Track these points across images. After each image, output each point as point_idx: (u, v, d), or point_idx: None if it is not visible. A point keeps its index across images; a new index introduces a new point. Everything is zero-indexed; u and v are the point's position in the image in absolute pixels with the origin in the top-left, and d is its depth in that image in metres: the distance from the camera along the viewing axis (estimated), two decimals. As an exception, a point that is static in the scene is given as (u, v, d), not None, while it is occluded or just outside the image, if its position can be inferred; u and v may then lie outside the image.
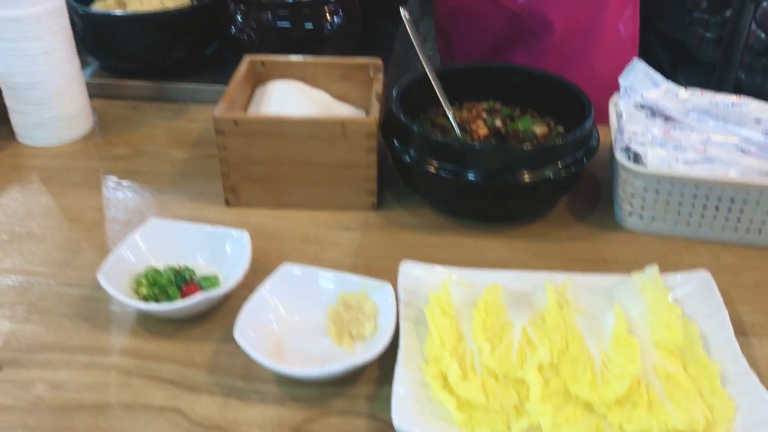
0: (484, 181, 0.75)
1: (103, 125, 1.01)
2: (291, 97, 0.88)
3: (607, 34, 1.07)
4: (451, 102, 0.89)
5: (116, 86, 1.07)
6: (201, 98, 1.07)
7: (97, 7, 1.08)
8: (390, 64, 1.19)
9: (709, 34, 2.36)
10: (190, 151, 0.95)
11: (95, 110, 1.03)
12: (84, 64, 1.09)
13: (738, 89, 2.10)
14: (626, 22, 1.06)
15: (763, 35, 2.11)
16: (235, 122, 0.78)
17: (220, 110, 0.79)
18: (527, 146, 0.78)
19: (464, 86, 0.92)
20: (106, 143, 0.97)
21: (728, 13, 2.29)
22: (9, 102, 0.94)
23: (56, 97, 0.93)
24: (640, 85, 0.87)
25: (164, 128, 1.00)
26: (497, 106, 0.92)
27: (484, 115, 0.89)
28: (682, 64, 2.29)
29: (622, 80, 0.88)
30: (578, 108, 0.83)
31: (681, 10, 1.17)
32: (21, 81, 0.91)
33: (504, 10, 1.11)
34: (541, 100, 0.90)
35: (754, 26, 2.08)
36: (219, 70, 1.13)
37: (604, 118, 0.88)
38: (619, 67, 1.08)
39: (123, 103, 1.06)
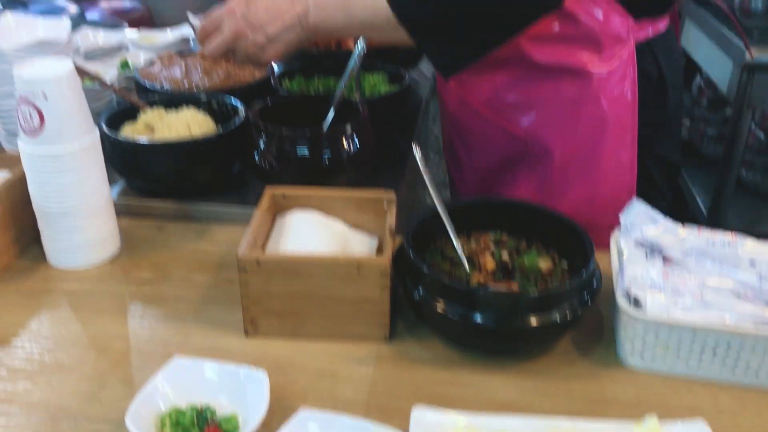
0: (491, 323, 0.79)
1: (129, 246, 1.06)
2: (309, 229, 0.93)
3: (607, 160, 1.12)
4: (460, 231, 0.94)
5: (142, 206, 1.13)
6: (223, 218, 1.12)
7: (126, 131, 1.14)
8: (403, 180, 1.25)
9: (710, 131, 2.44)
10: (212, 275, 1.00)
11: (122, 230, 1.08)
12: (111, 182, 1.16)
13: (740, 186, 2.16)
14: (625, 149, 1.12)
15: (762, 135, 2.18)
16: (258, 262, 0.83)
17: (243, 250, 0.84)
18: (534, 292, 0.82)
19: (473, 217, 0.97)
20: (133, 265, 1.02)
21: (728, 111, 2.37)
22: (42, 227, 0.99)
23: (87, 223, 0.98)
24: (640, 222, 0.91)
25: (188, 250, 1.05)
26: (504, 237, 0.96)
27: (492, 246, 0.94)
28: (685, 160, 2.36)
29: (623, 218, 0.92)
30: (580, 244, 0.88)
31: (677, 136, 1.22)
32: (55, 209, 0.97)
33: (508, 133, 1.16)
34: (545, 232, 0.95)
35: (753, 126, 2.15)
36: (242, 189, 1.19)
37: (603, 238, 0.92)
38: (619, 190, 1.14)
39: (148, 223, 1.12)
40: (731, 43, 1.93)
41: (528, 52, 1.07)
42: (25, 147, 0.94)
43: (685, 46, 2.27)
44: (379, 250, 0.96)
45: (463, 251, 0.90)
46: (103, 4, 2.89)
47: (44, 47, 1.09)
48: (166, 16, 3.07)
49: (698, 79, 2.46)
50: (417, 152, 0.97)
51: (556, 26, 1.05)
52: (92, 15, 2.77)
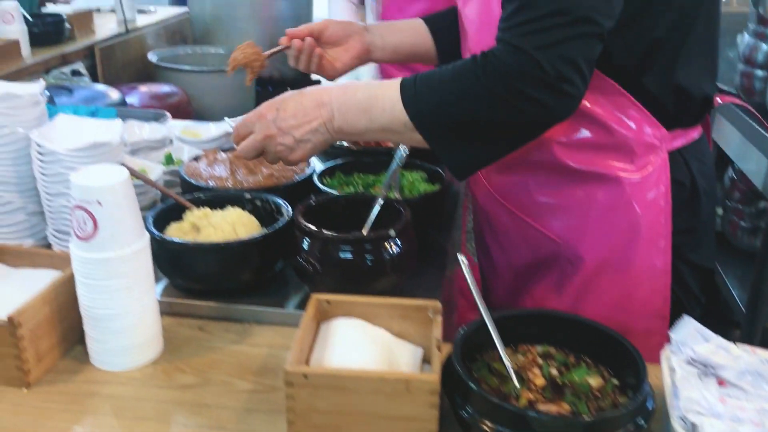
0: (544, 449, 0.77)
1: (171, 346, 1.06)
2: (354, 339, 0.93)
3: (640, 266, 1.11)
4: (506, 342, 0.93)
5: (184, 305, 1.14)
6: (265, 319, 1.12)
7: (172, 231, 1.16)
8: (443, 280, 1.24)
9: (744, 223, 2.43)
10: (254, 381, 0.99)
11: (165, 329, 1.08)
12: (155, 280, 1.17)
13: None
14: (659, 255, 1.11)
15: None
16: (305, 376, 0.82)
17: (291, 363, 0.84)
18: (588, 416, 0.81)
19: (518, 327, 0.96)
20: (174, 368, 1.01)
21: (762, 204, 2.36)
22: (88, 329, 1.00)
23: (133, 326, 0.99)
24: (691, 340, 0.90)
25: (229, 352, 1.05)
26: (552, 350, 0.95)
27: (540, 360, 0.93)
28: (720, 254, 2.34)
29: (674, 335, 0.91)
30: (629, 360, 0.87)
31: (711, 243, 1.22)
32: (102, 312, 0.97)
33: (540, 233, 1.17)
34: (593, 346, 0.93)
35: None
36: (282, 289, 1.19)
37: (638, 342, 0.90)
38: (652, 296, 1.13)
39: (190, 322, 1.12)
40: (764, 138, 1.94)
41: (560, 157, 1.09)
42: (76, 251, 0.95)
43: (716, 139, 2.29)
44: (425, 360, 0.95)
45: (512, 366, 0.89)
46: (142, 89, 2.99)
47: (96, 149, 1.13)
48: (204, 102, 3.18)
49: (730, 171, 2.46)
50: (464, 263, 0.97)
51: (588, 134, 1.08)
52: (132, 99, 2.87)
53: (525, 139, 1.02)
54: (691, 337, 0.90)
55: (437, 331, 0.92)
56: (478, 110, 0.97)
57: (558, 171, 1.11)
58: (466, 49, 1.23)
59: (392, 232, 1.09)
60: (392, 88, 1.02)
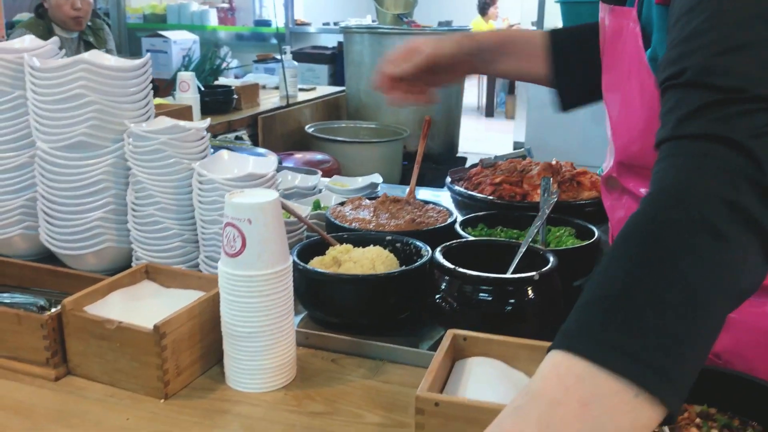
0: None
1: (303, 375, 1.05)
2: (490, 379, 0.88)
3: None
4: (659, 400, 0.84)
5: (320, 337, 1.13)
6: (396, 358, 1.10)
7: (314, 263, 1.17)
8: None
9: None
10: (383, 415, 0.95)
11: (299, 359, 1.08)
12: (294, 312, 1.18)
13: None
14: None
15: None
16: (436, 403, 0.78)
17: (423, 389, 0.80)
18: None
19: (674, 385, 0.87)
20: (305, 396, 1.00)
21: None
22: (226, 347, 1.02)
23: (269, 348, 0.99)
24: None
25: (360, 386, 1.03)
26: (712, 411, 0.85)
27: (698, 420, 0.83)
28: None
29: None
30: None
31: None
32: (241, 330, 0.99)
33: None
34: (762, 410, 0.82)
35: None
36: (416, 331, 1.16)
37: None
38: None
39: (324, 354, 1.11)
40: None
41: None
42: (224, 267, 0.98)
43: None
44: (566, 408, 0.88)
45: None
46: (297, 155, 3.15)
47: (252, 180, 1.18)
48: (354, 171, 3.30)
49: None
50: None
51: None
52: (287, 164, 3.03)
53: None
54: None
55: (581, 376, 0.85)
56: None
57: None
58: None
59: (536, 276, 1.04)
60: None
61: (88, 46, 3.62)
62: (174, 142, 1.22)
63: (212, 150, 1.43)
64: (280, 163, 2.62)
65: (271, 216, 0.97)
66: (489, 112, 9.41)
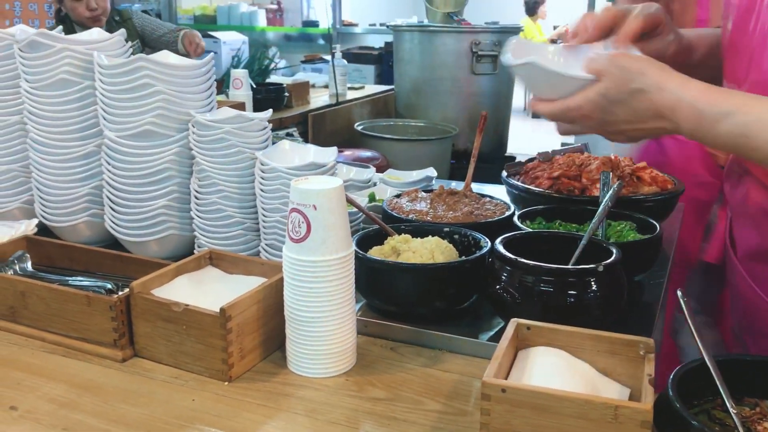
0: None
1: (363, 363, 1.06)
2: (555, 369, 0.87)
3: None
4: (731, 394, 0.82)
5: (379, 325, 1.14)
6: (455, 348, 1.10)
7: (373, 252, 1.18)
8: (653, 334, 1.14)
9: None
10: (443, 403, 0.96)
11: (359, 346, 1.09)
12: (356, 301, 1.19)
13: None
14: None
15: None
16: (503, 390, 0.78)
17: (489, 375, 0.80)
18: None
19: (747, 378, 0.85)
20: (366, 382, 1.01)
21: None
22: (289, 331, 1.03)
23: (330, 332, 1.00)
24: None
25: (420, 374, 1.03)
26: (785, 406, 0.83)
27: (771, 415, 0.81)
28: None
29: None
30: None
31: None
32: (304, 315, 1.00)
33: None
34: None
35: None
36: (476, 322, 1.16)
37: None
38: None
39: (383, 342, 1.12)
40: None
41: None
42: (288, 252, 0.99)
43: None
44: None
45: (738, 416, 0.79)
46: (347, 153, 3.17)
47: (314, 169, 1.19)
48: (402, 168, 3.30)
49: None
50: (683, 298, 0.89)
51: None
52: (338, 160, 3.05)
53: None
54: None
55: (649, 367, 0.84)
56: None
57: None
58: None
59: (600, 268, 1.03)
60: None
61: None
62: (237, 131, 1.24)
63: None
64: (332, 158, 2.64)
65: (335, 202, 0.98)
66: (535, 113, 9.33)
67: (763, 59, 0.96)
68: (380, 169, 3.10)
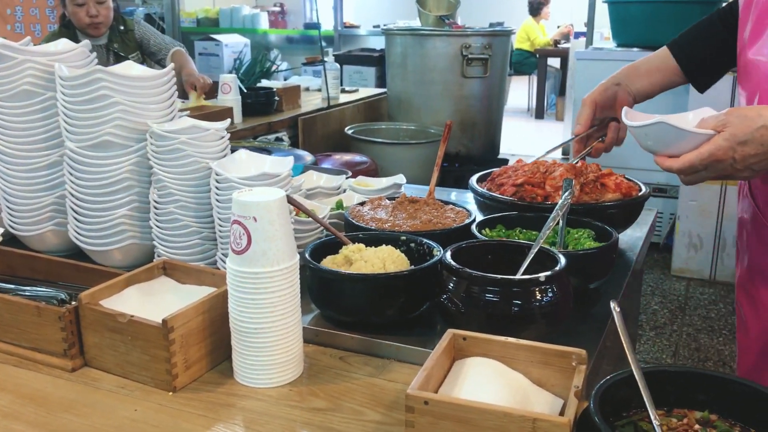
0: None
1: (310, 372, 1.07)
2: (487, 380, 0.88)
3: None
4: (660, 405, 0.83)
5: (329, 335, 1.15)
6: (404, 357, 1.10)
7: (326, 262, 1.19)
8: (600, 345, 1.15)
9: None
10: (384, 413, 0.96)
11: (307, 356, 1.10)
12: (307, 311, 1.19)
13: None
14: None
15: None
16: (426, 402, 0.79)
17: (414, 387, 0.80)
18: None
19: (676, 390, 0.85)
20: (309, 392, 1.02)
21: None
22: (234, 342, 1.04)
23: (274, 344, 1.01)
24: None
25: (365, 384, 1.04)
26: (713, 418, 0.83)
27: (697, 426, 0.81)
28: None
29: None
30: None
31: None
32: (247, 326, 1.01)
33: None
34: (764, 418, 0.80)
35: None
36: (427, 332, 1.16)
37: None
38: None
39: (333, 352, 1.13)
40: None
41: None
42: (231, 264, 1.00)
43: None
44: (563, 414, 0.87)
45: (661, 429, 0.79)
46: (336, 156, 3.18)
47: (266, 179, 1.20)
48: (391, 171, 3.31)
49: None
50: (616, 311, 0.89)
51: None
52: (326, 165, 3.06)
53: None
54: None
55: (578, 379, 0.84)
56: None
57: None
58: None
59: (543, 278, 1.03)
60: None
61: (116, 55, 3.64)
62: (193, 141, 1.25)
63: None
64: (315, 163, 2.65)
65: (276, 214, 0.99)
66: (539, 113, 9.30)
67: None
68: (368, 173, 3.12)
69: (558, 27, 9.81)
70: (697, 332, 3.44)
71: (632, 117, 1.22)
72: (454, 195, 1.93)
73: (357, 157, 3.20)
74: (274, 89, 3.44)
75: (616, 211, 1.43)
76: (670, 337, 3.40)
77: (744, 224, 1.30)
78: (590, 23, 4.84)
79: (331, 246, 1.24)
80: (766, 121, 1.01)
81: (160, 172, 1.26)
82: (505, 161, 4.25)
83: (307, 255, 1.17)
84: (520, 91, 9.85)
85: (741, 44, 1.26)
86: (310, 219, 1.34)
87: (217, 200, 1.23)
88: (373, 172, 3.15)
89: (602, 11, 4.49)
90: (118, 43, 3.60)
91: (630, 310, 1.75)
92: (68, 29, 3.53)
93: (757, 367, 1.27)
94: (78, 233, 1.36)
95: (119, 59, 3.62)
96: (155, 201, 1.29)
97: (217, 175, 1.22)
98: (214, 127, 1.28)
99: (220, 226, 1.25)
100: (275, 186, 1.20)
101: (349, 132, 3.52)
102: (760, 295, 1.23)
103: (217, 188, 1.22)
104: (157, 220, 1.30)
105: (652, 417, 0.79)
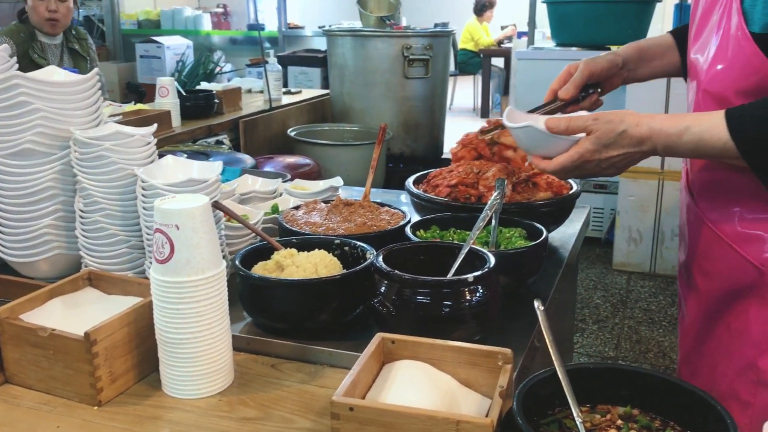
0: None
1: (241, 381, 1.05)
2: (415, 382, 0.88)
3: None
4: (584, 400, 0.84)
5: (262, 342, 1.13)
6: (338, 362, 1.09)
7: (258, 269, 1.17)
8: (531, 342, 1.16)
9: None
10: (314, 420, 0.95)
11: (238, 364, 1.08)
12: (239, 319, 1.18)
13: None
14: None
15: None
16: (351, 408, 0.78)
17: (339, 394, 0.80)
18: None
19: (599, 386, 0.86)
20: (239, 401, 1.00)
21: None
22: (160, 354, 1.01)
23: (201, 354, 0.99)
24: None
25: (296, 391, 1.03)
26: (635, 412, 0.85)
27: (619, 422, 0.83)
28: None
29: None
30: (722, 428, 0.75)
31: None
32: (174, 336, 0.99)
33: (744, 260, 1.14)
34: (685, 412, 0.82)
35: None
36: (362, 334, 1.15)
37: None
38: None
39: (264, 359, 1.11)
40: None
41: None
42: (154, 274, 0.98)
43: None
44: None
45: (584, 426, 0.80)
46: (278, 159, 3.15)
47: (193, 185, 1.18)
48: (335, 173, 3.30)
49: None
50: (539, 310, 0.90)
51: None
52: (267, 168, 3.02)
53: None
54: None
55: (503, 379, 0.85)
56: None
57: (766, 199, 1.11)
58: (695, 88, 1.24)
59: (471, 278, 1.04)
60: (719, 128, 1.06)
61: (73, 53, 3.62)
62: (118, 148, 1.22)
63: (184, 154, 1.43)
64: (255, 166, 2.62)
65: (199, 221, 0.97)
66: (484, 112, 9.39)
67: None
68: (311, 176, 3.10)
69: (502, 28, 9.93)
70: (638, 325, 3.52)
71: (511, 117, 1.23)
72: (392, 197, 1.93)
73: (300, 160, 3.18)
74: (214, 92, 3.39)
75: (548, 209, 1.45)
76: (612, 330, 3.47)
77: (683, 214, 1.34)
78: (531, 23, 4.90)
79: (264, 252, 1.22)
80: (627, 126, 1.11)
81: (84, 180, 1.23)
82: (448, 161, 4.28)
83: (237, 262, 1.15)
84: (465, 91, 9.92)
85: (688, 42, 1.30)
86: (239, 225, 1.32)
87: (143, 208, 1.20)
88: (316, 174, 3.13)
89: (544, 11, 4.56)
90: (77, 44, 3.55)
91: (565, 305, 1.78)
92: (25, 25, 3.45)
93: (695, 350, 1.31)
94: (2, 245, 1.31)
95: (76, 58, 3.58)
96: (80, 210, 1.26)
97: (143, 182, 1.19)
98: (140, 132, 1.25)
99: (148, 234, 1.22)
100: (203, 192, 1.18)
101: (292, 134, 3.49)
102: (696, 281, 1.27)
103: (143, 195, 1.19)
104: (83, 230, 1.27)
105: (575, 414, 0.80)
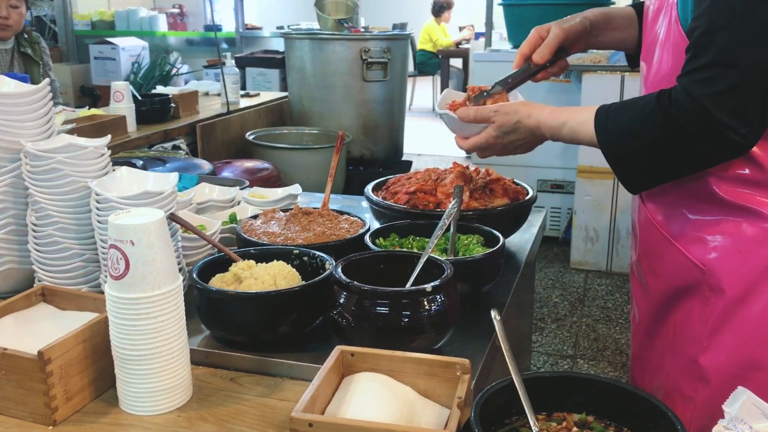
0: None
1: (200, 395, 1.04)
2: (375, 395, 0.88)
3: None
4: (541, 410, 0.85)
5: (220, 356, 1.12)
6: (298, 374, 1.09)
7: (215, 281, 1.16)
8: (488, 351, 1.17)
9: None
10: (273, 434, 0.95)
11: (197, 378, 1.07)
12: (197, 332, 1.17)
13: None
14: None
15: None
16: (310, 424, 0.78)
17: (299, 410, 0.80)
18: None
19: (555, 394, 0.88)
20: (198, 417, 0.99)
21: None
22: (117, 370, 1.00)
23: (159, 370, 0.98)
24: (749, 417, 0.79)
25: (255, 405, 1.02)
26: (590, 419, 0.86)
27: (575, 429, 0.85)
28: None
29: (727, 408, 0.80)
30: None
31: None
32: (130, 353, 0.97)
33: (688, 259, 1.17)
34: (638, 418, 0.84)
35: None
36: (323, 345, 1.15)
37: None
38: None
39: (223, 373, 1.11)
40: None
41: (714, 188, 1.12)
42: (110, 290, 0.97)
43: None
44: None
45: (539, 432, 0.81)
46: (236, 164, 3.13)
47: (148, 198, 1.16)
48: (295, 177, 3.28)
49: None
50: (496, 319, 0.92)
51: (745, 169, 1.10)
52: (226, 173, 3.00)
53: (693, 170, 1.12)
54: (748, 413, 0.79)
55: (461, 389, 0.86)
56: (655, 145, 1.10)
57: (711, 201, 1.14)
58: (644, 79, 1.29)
59: (429, 288, 1.05)
60: (588, 123, 1.18)
61: (25, 58, 3.53)
62: (70, 160, 1.20)
63: (140, 161, 1.41)
64: (213, 172, 2.59)
65: (155, 236, 0.96)
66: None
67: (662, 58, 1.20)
68: (270, 180, 3.08)
69: (460, 29, 10.00)
70: (596, 322, 3.58)
71: (445, 98, 1.45)
72: (352, 203, 1.94)
73: (258, 164, 3.16)
74: (170, 95, 3.34)
75: (505, 215, 1.47)
76: (570, 328, 3.53)
77: (634, 214, 1.38)
78: (488, 24, 4.95)
79: (221, 263, 1.22)
80: (521, 117, 1.27)
81: (36, 193, 1.21)
82: (408, 164, 4.29)
83: (194, 274, 1.14)
84: (424, 91, 9.98)
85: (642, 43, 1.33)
86: (197, 237, 1.31)
87: (98, 221, 1.18)
88: (275, 178, 3.12)
89: (501, 12, 4.60)
90: (30, 48, 3.46)
91: (524, 305, 1.80)
92: None
93: (645, 346, 1.34)
94: (-51, 260, 1.28)
95: (28, 63, 3.49)
96: (33, 224, 1.23)
97: (96, 195, 1.17)
98: (93, 144, 1.23)
99: (103, 248, 1.20)
100: (158, 204, 1.17)
101: (250, 138, 3.47)
102: (646, 280, 1.30)
103: (97, 209, 1.17)
104: (36, 244, 1.24)
105: (532, 423, 0.82)
